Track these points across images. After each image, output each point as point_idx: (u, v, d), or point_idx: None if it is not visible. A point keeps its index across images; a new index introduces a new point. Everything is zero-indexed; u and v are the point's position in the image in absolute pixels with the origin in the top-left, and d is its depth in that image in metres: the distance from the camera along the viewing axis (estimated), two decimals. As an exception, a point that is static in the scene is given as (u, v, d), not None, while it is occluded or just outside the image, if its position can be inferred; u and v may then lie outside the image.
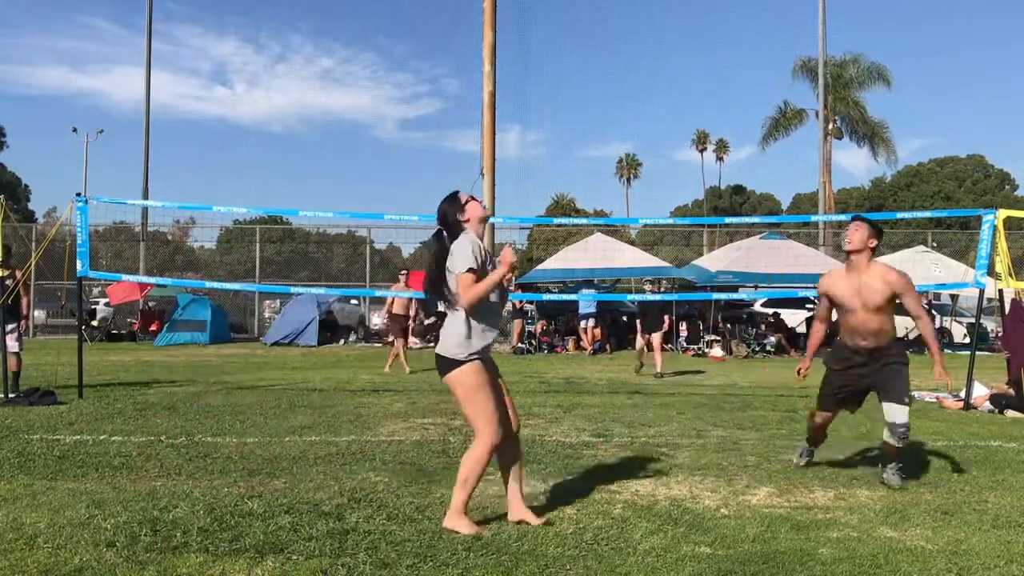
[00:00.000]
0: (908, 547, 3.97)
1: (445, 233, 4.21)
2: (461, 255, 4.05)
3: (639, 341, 14.24)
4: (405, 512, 4.48)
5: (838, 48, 47.45)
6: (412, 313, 15.05)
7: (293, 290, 19.45)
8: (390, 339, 21.75)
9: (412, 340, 21.33)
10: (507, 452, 4.27)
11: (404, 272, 15.46)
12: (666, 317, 14.99)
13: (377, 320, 25.39)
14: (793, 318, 22.79)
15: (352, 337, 23.98)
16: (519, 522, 4.23)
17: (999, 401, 8.98)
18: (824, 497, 4.98)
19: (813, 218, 22.27)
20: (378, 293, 19.12)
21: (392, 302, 14.15)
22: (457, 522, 4.08)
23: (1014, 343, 9.22)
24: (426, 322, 22.81)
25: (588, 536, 4.09)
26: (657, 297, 14.33)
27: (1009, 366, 9.31)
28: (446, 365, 4.13)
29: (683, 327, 20.61)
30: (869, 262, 5.49)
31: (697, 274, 20.67)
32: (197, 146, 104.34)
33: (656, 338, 14.05)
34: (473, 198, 4.25)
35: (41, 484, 5.07)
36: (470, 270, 4.03)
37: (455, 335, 4.11)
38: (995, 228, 9.14)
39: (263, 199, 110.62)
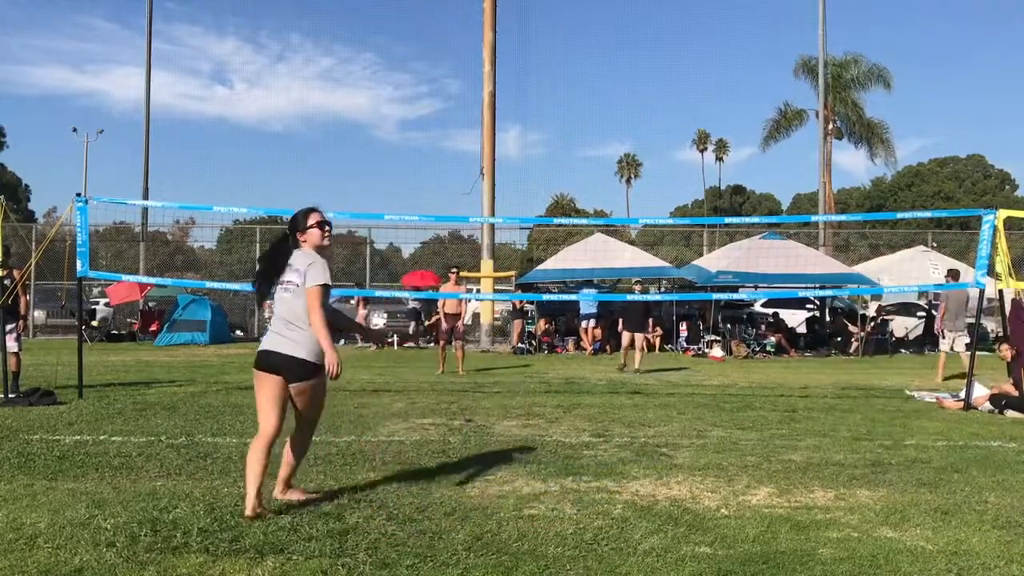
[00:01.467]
0: (908, 547, 3.97)
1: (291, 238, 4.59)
2: (317, 270, 4.38)
3: (624, 339, 14.43)
4: (405, 512, 4.48)
5: (839, 48, 47.45)
6: (462, 312, 14.38)
7: (293, 290, 19.41)
8: (389, 340, 21.75)
9: (412, 341, 21.35)
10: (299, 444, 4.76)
11: (455, 269, 14.86)
12: (651, 319, 15.15)
13: (378, 320, 25.34)
14: (793, 318, 22.80)
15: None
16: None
17: (999, 401, 8.98)
18: (824, 497, 4.98)
19: (813, 218, 22.31)
20: (378, 293, 19.09)
21: (444, 302, 13.92)
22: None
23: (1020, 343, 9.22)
24: (427, 323, 22.78)
25: (588, 536, 4.09)
26: (641, 297, 14.49)
27: (1010, 366, 9.31)
28: (309, 368, 4.37)
29: (683, 327, 20.61)
30: None
31: (697, 274, 20.67)
32: (197, 146, 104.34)
33: (639, 337, 14.29)
34: (322, 226, 4.57)
35: (41, 484, 5.07)
36: (325, 286, 4.36)
37: (314, 341, 4.34)
38: (995, 228, 9.14)
39: (263, 199, 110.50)
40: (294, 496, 4.67)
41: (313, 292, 4.32)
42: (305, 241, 4.54)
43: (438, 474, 5.45)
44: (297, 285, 4.38)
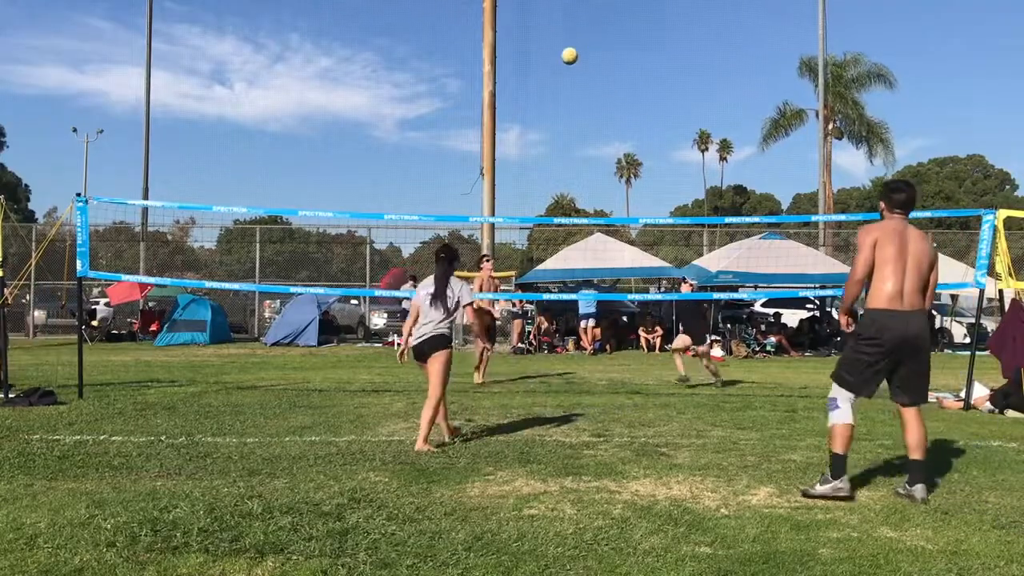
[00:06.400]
0: (908, 547, 3.97)
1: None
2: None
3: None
4: (405, 512, 4.48)
5: (840, 48, 47.46)
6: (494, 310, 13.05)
7: (293, 290, 19.43)
8: (390, 340, 21.71)
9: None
10: None
11: (488, 257, 13.23)
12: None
13: (377, 320, 25.34)
14: (793, 318, 22.80)
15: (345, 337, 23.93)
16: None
17: (999, 401, 8.98)
18: (824, 497, 4.98)
19: (813, 218, 22.22)
20: (378, 293, 19.10)
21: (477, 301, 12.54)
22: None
23: (1006, 344, 9.19)
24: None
25: (588, 536, 4.09)
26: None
27: (1003, 365, 9.28)
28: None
29: (683, 327, 20.58)
30: None
31: (697, 274, 20.66)
32: (197, 146, 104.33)
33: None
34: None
35: (41, 484, 5.07)
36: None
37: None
38: (995, 228, 9.14)
39: (263, 199, 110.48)
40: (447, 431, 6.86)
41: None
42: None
43: (438, 474, 5.45)
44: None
